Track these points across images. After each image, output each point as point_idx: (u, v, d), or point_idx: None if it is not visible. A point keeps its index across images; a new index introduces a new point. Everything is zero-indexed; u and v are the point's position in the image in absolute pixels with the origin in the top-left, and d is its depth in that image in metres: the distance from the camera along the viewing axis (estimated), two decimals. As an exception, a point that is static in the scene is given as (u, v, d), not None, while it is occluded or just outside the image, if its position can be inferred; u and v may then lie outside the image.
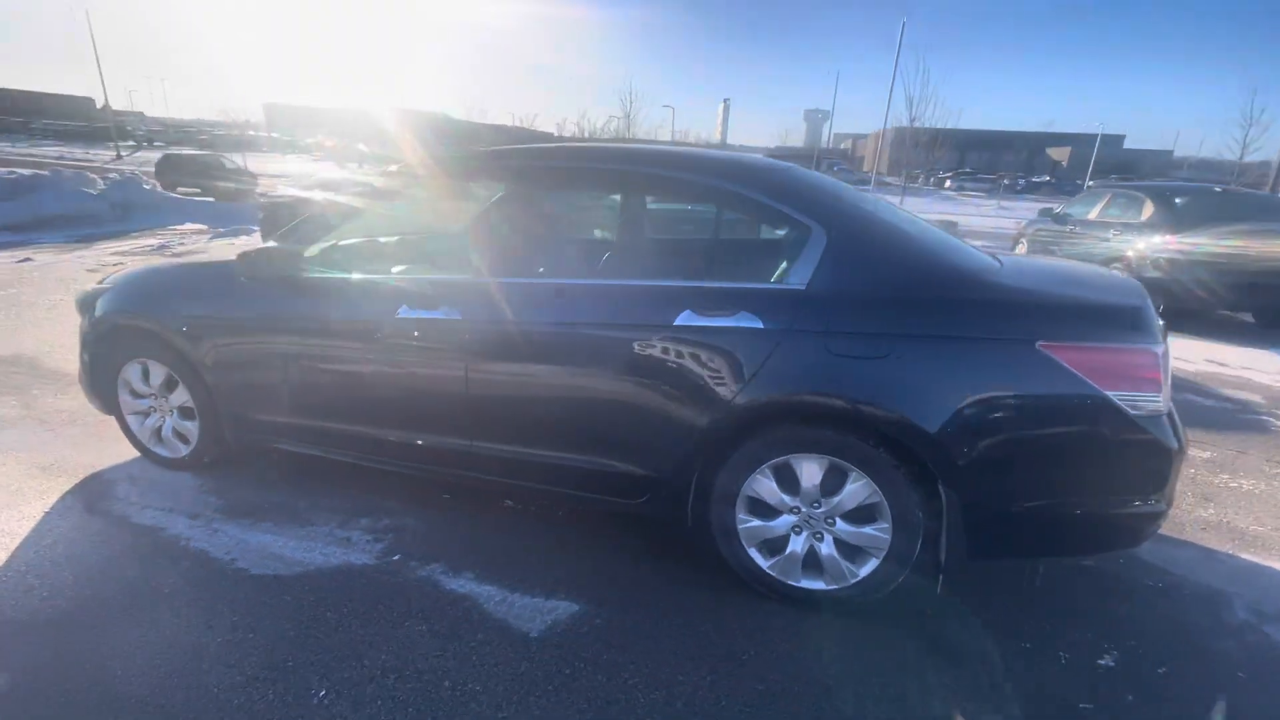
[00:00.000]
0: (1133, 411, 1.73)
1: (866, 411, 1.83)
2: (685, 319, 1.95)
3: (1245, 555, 2.50)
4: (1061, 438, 1.78)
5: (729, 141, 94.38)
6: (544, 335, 2.10)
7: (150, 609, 1.96)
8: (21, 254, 8.25)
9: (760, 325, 1.90)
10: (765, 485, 1.99)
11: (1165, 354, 1.80)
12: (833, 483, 1.94)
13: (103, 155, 31.26)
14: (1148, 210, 6.78)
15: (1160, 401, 1.75)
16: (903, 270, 1.91)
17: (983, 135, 65.88)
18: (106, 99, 41.63)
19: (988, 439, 1.79)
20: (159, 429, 2.78)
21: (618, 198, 2.49)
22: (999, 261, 2.27)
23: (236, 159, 21.36)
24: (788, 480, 1.98)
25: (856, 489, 1.92)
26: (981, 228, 17.13)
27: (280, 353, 2.44)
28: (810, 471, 1.94)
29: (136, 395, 2.77)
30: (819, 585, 2.03)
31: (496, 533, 2.43)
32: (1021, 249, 9.41)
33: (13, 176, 11.20)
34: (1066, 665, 1.88)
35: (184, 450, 2.76)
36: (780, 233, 2.11)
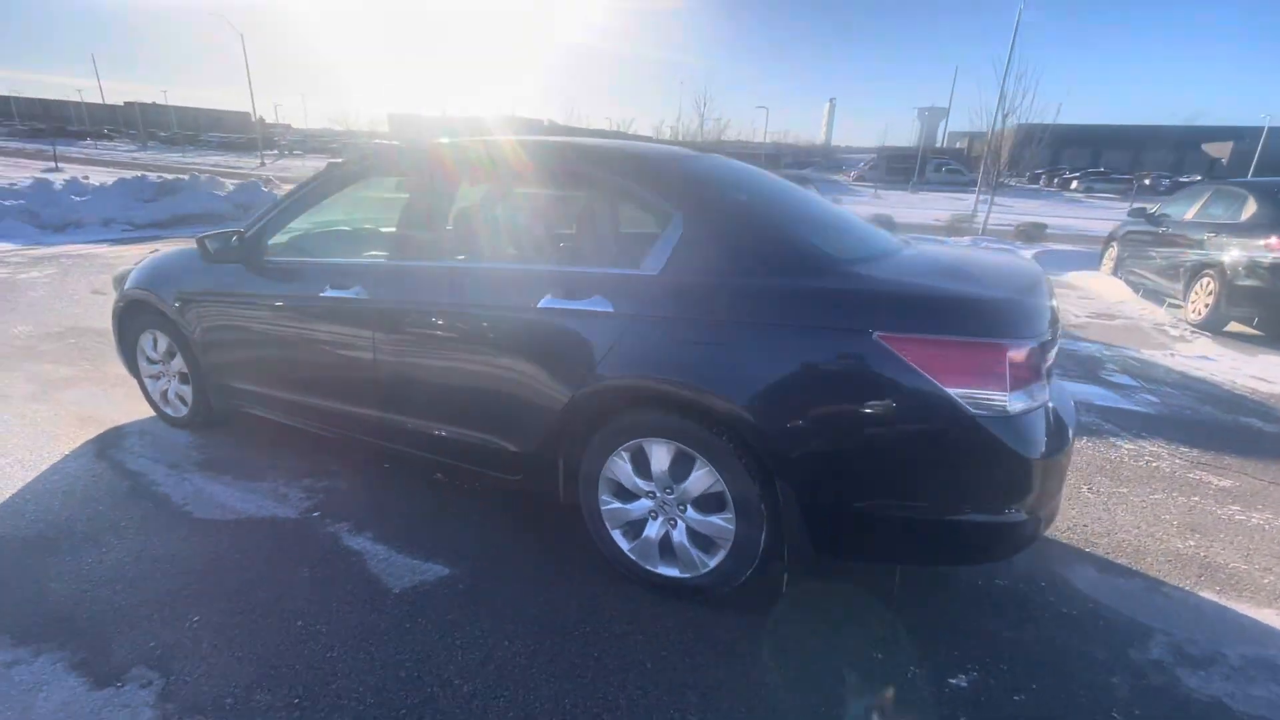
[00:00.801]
0: (974, 411, 1.61)
1: (704, 399, 1.82)
2: (547, 302, 2.03)
3: (1205, 593, 2.20)
4: (899, 436, 1.69)
5: (833, 143, 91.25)
6: (432, 315, 2.25)
7: (102, 540, 2.31)
8: (153, 245, 9.61)
9: (611, 309, 1.94)
10: (622, 469, 2.03)
11: (1033, 351, 1.66)
12: (680, 469, 1.94)
13: (251, 163, 35.34)
14: (1249, 209, 5.93)
15: (1008, 401, 1.62)
16: (749, 257, 1.88)
17: (1118, 131, 59.30)
18: (259, 114, 47.08)
19: (821, 433, 1.73)
20: (165, 391, 3.23)
21: (511, 187, 2.61)
22: (902, 251, 2.17)
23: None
24: (642, 465, 2.00)
25: (701, 476, 1.91)
26: (1086, 231, 15.50)
27: (241, 327, 2.77)
28: (660, 457, 1.96)
29: (150, 361, 3.23)
30: (674, 572, 2.04)
31: (410, 500, 2.62)
32: (1110, 255, 8.49)
33: (159, 180, 13.03)
34: (909, 680, 1.77)
35: (184, 411, 3.18)
36: (649, 219, 2.13)
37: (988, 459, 1.65)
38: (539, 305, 2.04)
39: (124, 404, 3.51)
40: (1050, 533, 2.50)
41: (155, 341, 3.15)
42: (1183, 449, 3.38)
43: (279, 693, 1.66)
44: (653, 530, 2.05)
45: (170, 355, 3.11)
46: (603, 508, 2.10)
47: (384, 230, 3.28)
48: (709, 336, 1.83)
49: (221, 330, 2.83)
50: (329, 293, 2.44)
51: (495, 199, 2.51)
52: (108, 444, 3.06)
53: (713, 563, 1.97)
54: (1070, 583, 2.22)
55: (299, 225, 2.85)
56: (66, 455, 2.93)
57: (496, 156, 2.33)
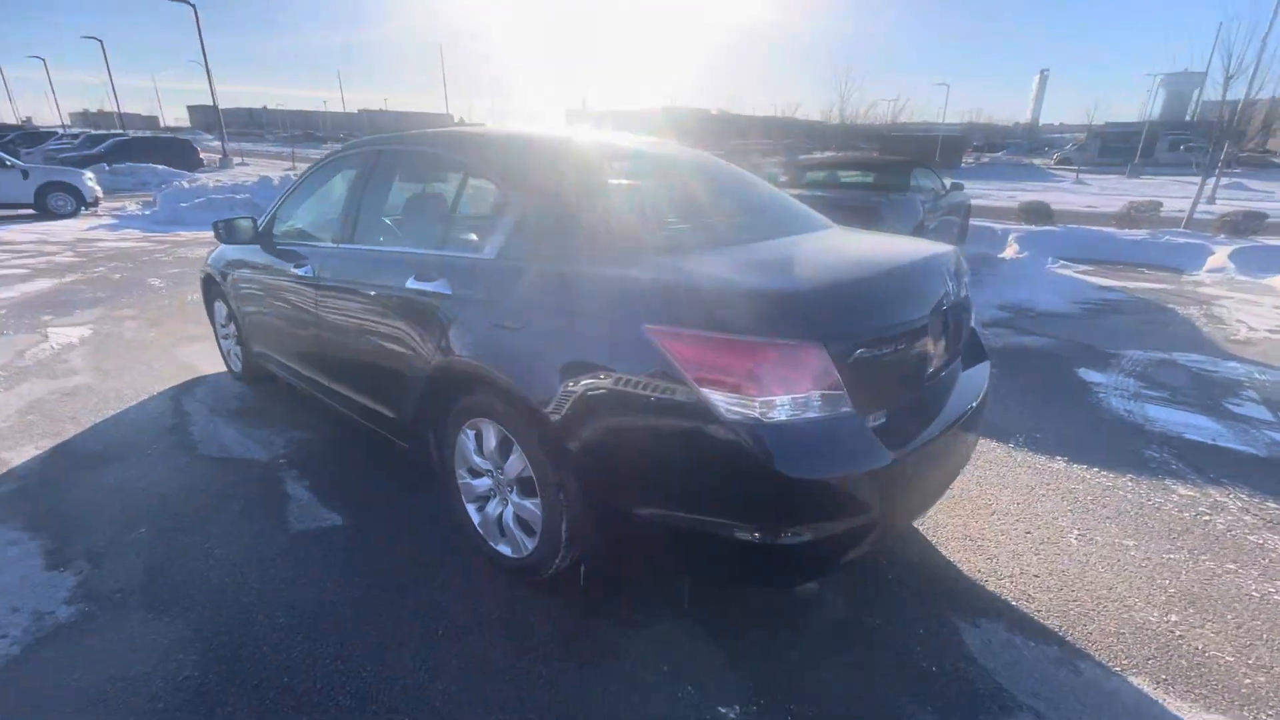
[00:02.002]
0: (729, 416, 1.46)
1: (510, 384, 1.85)
2: (410, 283, 2.18)
3: (1138, 680, 1.74)
4: (662, 438, 1.57)
5: (1040, 121, 79.36)
6: (346, 292, 2.51)
7: (127, 461, 2.93)
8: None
9: (449, 292, 2.03)
10: (468, 446, 2.12)
11: (808, 353, 1.46)
12: (503, 452, 1.99)
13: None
14: None
15: (758, 407, 1.44)
16: (561, 241, 1.85)
17: None
18: (459, 116, 53.05)
19: (594, 427, 1.67)
20: (229, 351, 3.92)
21: (411, 177, 2.80)
22: (788, 238, 2.00)
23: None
24: (481, 444, 2.08)
25: (514, 461, 1.95)
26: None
27: (253, 297, 3.29)
28: (489, 438, 2.02)
29: (220, 326, 3.94)
30: (507, 551, 2.09)
31: (357, 459, 2.94)
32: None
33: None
34: (676, 701, 1.66)
35: (239, 367, 3.85)
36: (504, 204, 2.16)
37: (744, 471, 1.48)
38: (406, 285, 2.19)
39: (220, 361, 4.32)
40: (982, 575, 2.13)
41: (221, 310, 3.84)
42: (1270, 505, 2.61)
43: (157, 593, 2.03)
44: (492, 508, 2.12)
45: (229, 321, 3.78)
46: (459, 481, 2.21)
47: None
48: (515, 322, 1.85)
49: (244, 301, 3.40)
50: (294, 270, 2.82)
51: (394, 188, 2.70)
52: (185, 390, 3.81)
53: (530, 546, 2.00)
54: (955, 634, 1.88)
55: (311, 211, 3.29)
56: (156, 394, 3.70)
57: (397, 150, 2.53)
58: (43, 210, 11.88)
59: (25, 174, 11.78)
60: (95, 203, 12.52)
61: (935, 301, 1.84)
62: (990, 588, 2.10)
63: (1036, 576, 2.16)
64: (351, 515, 2.49)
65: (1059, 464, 2.94)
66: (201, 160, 23.31)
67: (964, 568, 2.20)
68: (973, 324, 2.36)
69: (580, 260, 1.79)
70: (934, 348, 1.86)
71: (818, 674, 1.74)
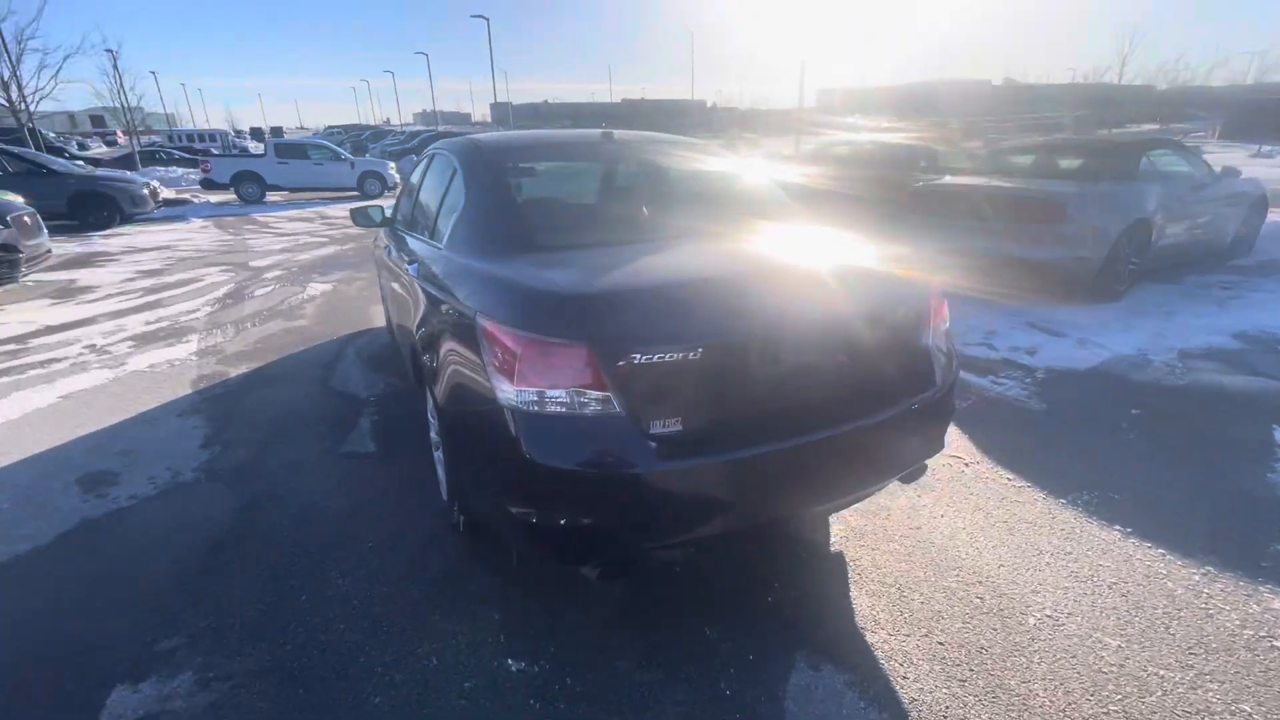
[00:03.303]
0: (501, 400, 1.65)
1: (424, 356, 2.23)
2: (413, 269, 2.67)
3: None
4: (479, 414, 1.78)
5: None
6: (410, 277, 3.08)
7: (285, 385, 4.02)
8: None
9: (415, 274, 2.48)
10: (429, 406, 2.57)
11: (560, 350, 1.57)
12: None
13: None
14: None
15: (514, 395, 1.59)
16: (466, 236, 2.17)
17: None
18: (711, 101, 54.50)
19: (451, 399, 1.97)
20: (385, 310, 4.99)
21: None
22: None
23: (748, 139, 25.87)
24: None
25: (432, 421, 2.33)
26: None
27: (379, 267, 4.17)
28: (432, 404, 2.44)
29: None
30: (443, 495, 2.51)
31: (417, 404, 3.62)
32: None
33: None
34: (482, 647, 1.91)
35: (384, 324, 4.89)
36: (456, 201, 2.51)
37: (508, 451, 1.64)
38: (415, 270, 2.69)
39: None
40: (865, 624, 1.95)
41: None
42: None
43: (240, 473, 2.89)
44: (439, 468, 2.54)
45: (385, 288, 4.82)
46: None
47: None
48: (442, 305, 2.20)
49: (378, 269, 4.32)
50: (381, 244, 3.56)
51: (428, 187, 3.17)
52: (353, 338, 4.97)
53: (444, 495, 2.38)
54: (784, 668, 1.77)
55: (404, 201, 4.02)
56: (335, 339, 4.92)
57: (432, 153, 3.03)
58: (361, 193, 15.61)
59: (352, 165, 15.58)
60: (394, 187, 16.02)
61: (761, 320, 1.74)
62: (868, 639, 1.90)
63: (941, 618, 1.88)
64: (384, 448, 3.15)
65: (1167, 564, 2.36)
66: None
67: (861, 612, 2.00)
68: (933, 350, 2.07)
69: (473, 253, 2.08)
70: (764, 368, 1.76)
71: (602, 643, 1.83)
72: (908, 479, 2.25)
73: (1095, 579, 2.13)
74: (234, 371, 4.24)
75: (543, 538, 1.71)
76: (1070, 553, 2.27)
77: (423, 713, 1.68)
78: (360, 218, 3.91)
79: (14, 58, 17.48)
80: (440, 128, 37.31)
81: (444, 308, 2.10)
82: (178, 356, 4.55)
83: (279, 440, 3.25)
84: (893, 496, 2.63)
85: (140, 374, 4.21)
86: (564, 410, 1.60)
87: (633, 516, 1.65)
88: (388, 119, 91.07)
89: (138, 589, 2.17)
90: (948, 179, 6.44)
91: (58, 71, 18.58)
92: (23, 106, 17.89)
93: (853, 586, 2.13)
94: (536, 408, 1.60)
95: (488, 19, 28.23)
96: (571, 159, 2.76)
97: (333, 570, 2.23)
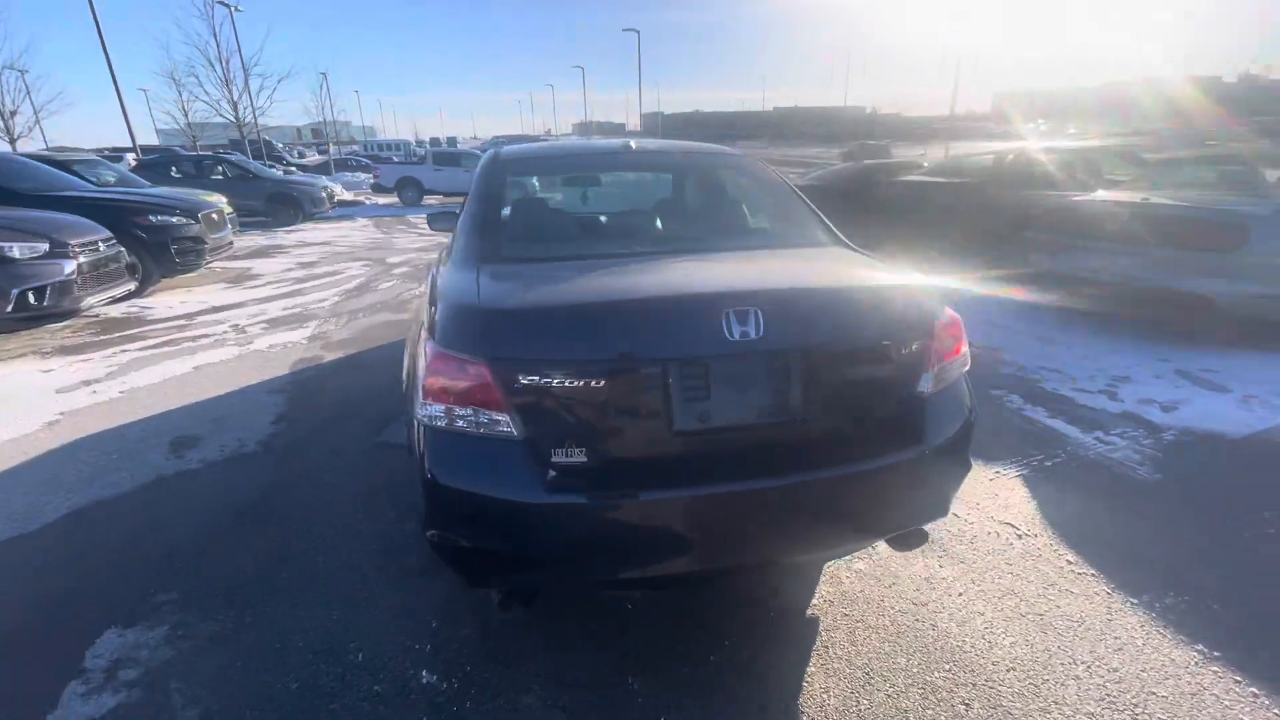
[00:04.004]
0: (416, 411, 1.63)
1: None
2: (429, 272, 2.78)
3: None
4: (411, 438, 1.79)
5: None
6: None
7: (370, 370, 4.38)
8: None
9: (425, 281, 2.57)
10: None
11: (468, 368, 1.53)
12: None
13: (832, 152, 40.05)
14: None
15: (426, 410, 1.57)
16: (456, 244, 2.16)
17: None
18: (869, 107, 51.86)
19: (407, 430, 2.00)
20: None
21: None
22: None
23: (919, 150, 24.26)
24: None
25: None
26: None
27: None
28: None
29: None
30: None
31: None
32: None
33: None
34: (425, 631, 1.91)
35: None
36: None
37: (420, 471, 1.61)
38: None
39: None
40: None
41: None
42: None
43: (290, 448, 3.20)
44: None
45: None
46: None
47: None
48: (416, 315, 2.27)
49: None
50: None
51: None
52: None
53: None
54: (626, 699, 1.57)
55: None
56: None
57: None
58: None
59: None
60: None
61: (692, 348, 1.55)
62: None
63: (890, 750, 1.56)
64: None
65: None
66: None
67: (809, 694, 1.73)
68: (929, 397, 1.74)
69: (450, 262, 2.10)
70: (691, 402, 1.56)
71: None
72: (899, 545, 1.92)
73: (1140, 711, 1.66)
74: (329, 357, 4.72)
75: (446, 555, 1.68)
76: (1116, 670, 1.79)
77: (330, 707, 1.72)
78: (432, 220, 4.17)
79: (243, 82, 21.34)
80: (592, 136, 39.20)
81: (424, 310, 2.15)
82: (293, 340, 5.16)
83: (334, 424, 3.55)
84: (907, 562, 2.26)
85: (259, 353, 4.83)
86: (465, 429, 1.55)
87: (523, 548, 1.56)
88: (548, 129, 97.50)
89: (167, 543, 2.46)
90: (1099, 194, 5.49)
91: (273, 92, 22.54)
92: (250, 120, 21.68)
93: (813, 660, 1.85)
94: (442, 424, 1.57)
95: (638, 31, 29.28)
96: (581, 170, 2.72)
97: (318, 555, 2.38)
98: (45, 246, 4.90)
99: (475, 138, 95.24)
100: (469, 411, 1.54)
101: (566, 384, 1.51)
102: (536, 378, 1.51)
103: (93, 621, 2.04)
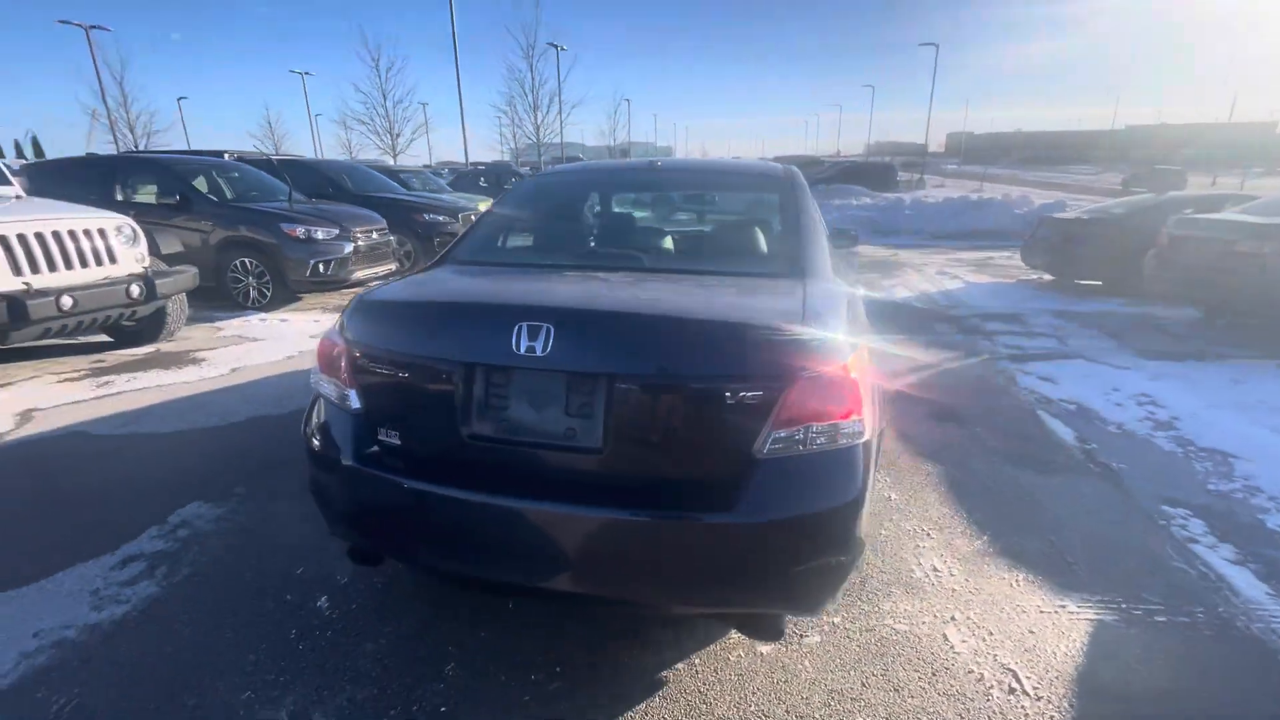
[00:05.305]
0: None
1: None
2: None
3: None
4: None
5: None
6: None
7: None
8: (944, 252, 11.81)
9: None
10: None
11: (335, 347, 1.78)
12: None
13: (1109, 180, 31.05)
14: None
15: (320, 384, 1.86)
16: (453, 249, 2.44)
17: None
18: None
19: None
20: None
21: None
22: None
23: None
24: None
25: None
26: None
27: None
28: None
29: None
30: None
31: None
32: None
33: (975, 199, 14.91)
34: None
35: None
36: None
37: None
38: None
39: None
40: None
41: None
42: None
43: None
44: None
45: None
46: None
47: None
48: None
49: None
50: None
51: None
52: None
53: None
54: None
55: None
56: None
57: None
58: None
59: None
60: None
61: (498, 358, 1.56)
62: None
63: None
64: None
65: None
66: (899, 183, 26.62)
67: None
68: (764, 458, 1.46)
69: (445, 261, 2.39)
70: (487, 407, 1.59)
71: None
72: (747, 630, 1.64)
73: None
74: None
75: (316, 499, 1.93)
76: None
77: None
78: None
79: (547, 106, 25.85)
80: (887, 158, 37.13)
81: None
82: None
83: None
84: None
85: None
86: (331, 399, 1.81)
87: (349, 507, 1.76)
88: (838, 150, 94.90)
89: (220, 471, 3.05)
90: None
91: (568, 115, 26.78)
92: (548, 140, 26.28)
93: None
94: (323, 393, 1.86)
95: (936, 45, 26.61)
96: (593, 189, 2.77)
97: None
98: (336, 231, 6.66)
99: (763, 158, 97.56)
100: (334, 385, 1.80)
101: (388, 372, 1.69)
102: (370, 362, 1.70)
103: (133, 519, 2.63)
